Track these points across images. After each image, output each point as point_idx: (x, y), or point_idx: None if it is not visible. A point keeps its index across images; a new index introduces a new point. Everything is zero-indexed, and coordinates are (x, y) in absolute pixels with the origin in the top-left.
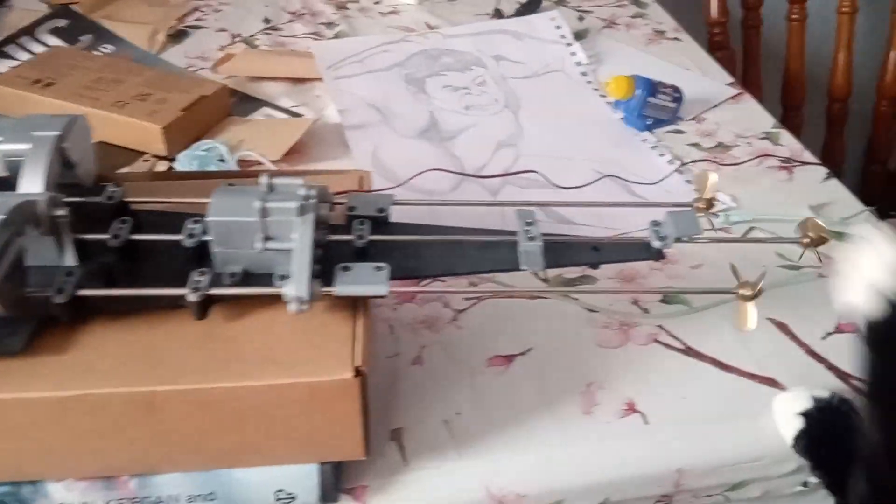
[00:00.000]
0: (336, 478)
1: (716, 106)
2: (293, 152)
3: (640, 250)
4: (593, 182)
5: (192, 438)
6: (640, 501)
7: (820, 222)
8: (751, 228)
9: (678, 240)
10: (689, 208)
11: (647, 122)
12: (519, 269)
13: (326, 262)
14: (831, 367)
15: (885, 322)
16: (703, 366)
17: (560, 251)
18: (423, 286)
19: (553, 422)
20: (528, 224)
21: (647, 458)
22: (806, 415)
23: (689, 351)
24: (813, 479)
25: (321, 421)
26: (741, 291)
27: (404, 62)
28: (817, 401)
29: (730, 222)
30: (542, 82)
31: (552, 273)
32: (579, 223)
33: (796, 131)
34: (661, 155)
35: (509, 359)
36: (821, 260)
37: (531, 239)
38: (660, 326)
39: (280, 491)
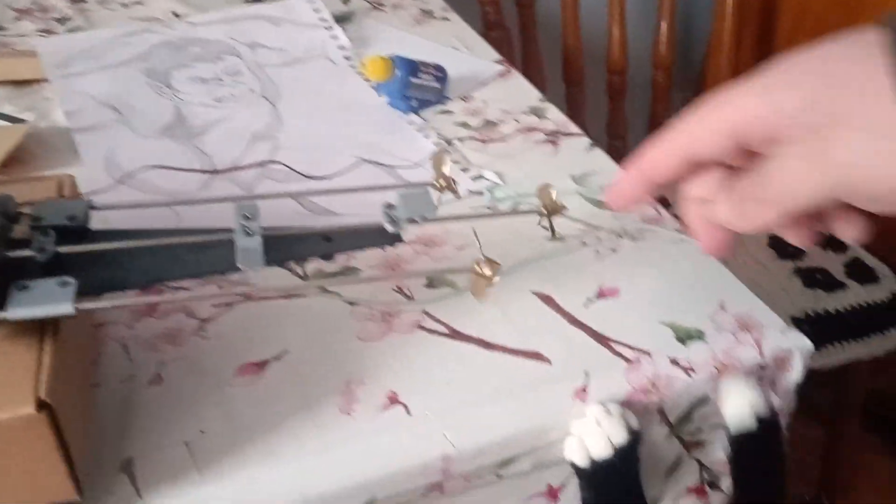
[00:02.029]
0: None
1: (484, 84)
2: (14, 162)
3: (375, 236)
4: (349, 168)
5: None
6: (410, 494)
7: (552, 192)
8: (518, 204)
9: (412, 221)
10: (423, 188)
11: (412, 104)
12: (236, 269)
13: (8, 283)
14: (593, 333)
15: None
16: (468, 347)
17: (286, 245)
18: (159, 296)
19: (312, 427)
20: (247, 219)
21: (410, 451)
22: None
23: (453, 334)
24: None
25: (13, 463)
26: (477, 268)
27: (145, 55)
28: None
29: (495, 199)
30: (303, 69)
31: (311, 269)
32: (342, 213)
33: (580, 107)
34: (426, 137)
35: (262, 365)
36: (553, 232)
37: (249, 235)
38: (424, 312)
39: None
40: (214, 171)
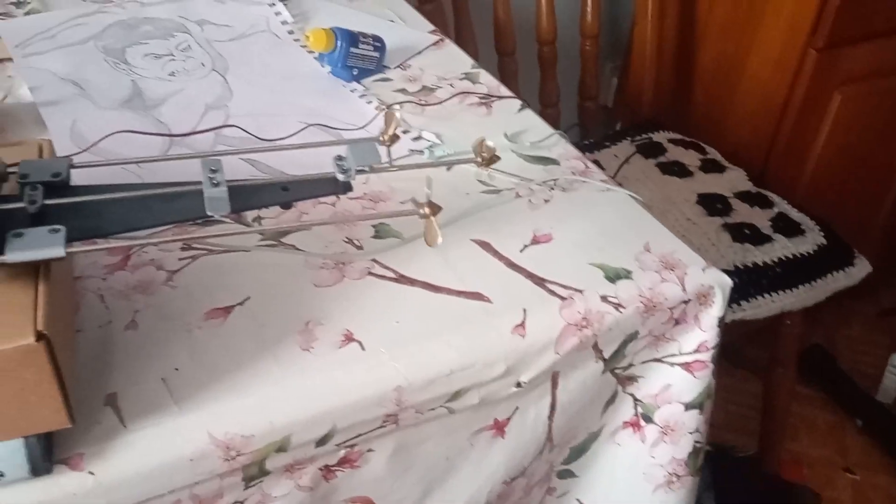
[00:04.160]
0: (46, 450)
1: (419, 53)
2: None
3: (328, 185)
4: (299, 132)
5: None
6: (368, 424)
7: (488, 142)
8: (455, 161)
9: (361, 170)
10: (370, 141)
11: (354, 73)
12: (206, 217)
13: (1, 232)
14: (529, 275)
15: None
16: (415, 290)
17: (248, 194)
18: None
19: (273, 363)
20: (213, 171)
21: (366, 382)
22: None
23: (401, 279)
24: (524, 379)
25: (12, 393)
26: (422, 210)
27: (100, 34)
28: None
29: (435, 157)
30: (249, 43)
31: (267, 226)
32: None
33: (513, 77)
34: (369, 102)
35: (227, 310)
36: (489, 176)
37: (216, 185)
38: (374, 260)
39: None
40: (176, 136)
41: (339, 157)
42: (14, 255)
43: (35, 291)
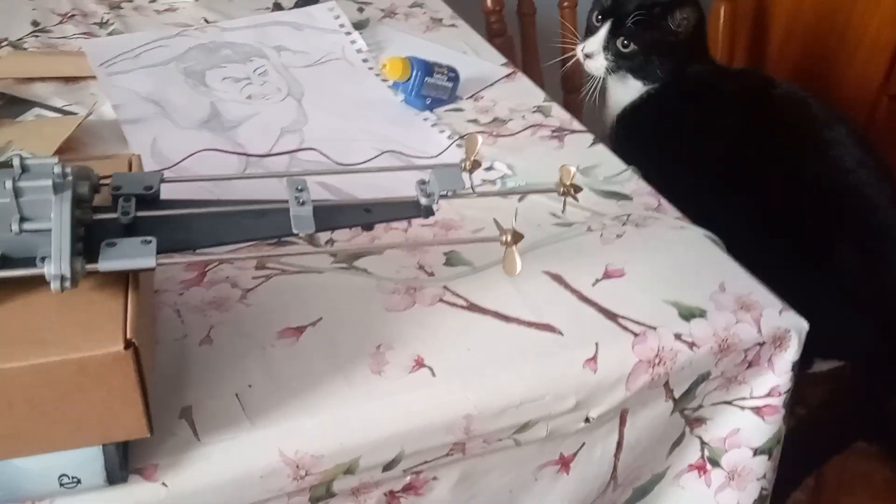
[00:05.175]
0: (122, 458)
1: (491, 85)
2: (67, 150)
3: (410, 208)
4: (373, 158)
5: None
6: (435, 451)
7: (571, 169)
8: (536, 190)
9: (443, 195)
10: (454, 166)
11: (427, 102)
12: (292, 234)
13: (92, 241)
14: (601, 310)
15: None
16: (486, 319)
17: (332, 214)
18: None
19: (345, 384)
20: (299, 191)
21: (435, 408)
22: None
23: (472, 307)
24: (594, 414)
25: (96, 400)
26: (504, 238)
27: (182, 56)
28: None
29: (507, 187)
30: (324, 70)
31: (339, 249)
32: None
33: (577, 114)
34: (441, 131)
35: (299, 330)
36: (564, 208)
37: (302, 204)
38: (445, 287)
39: (63, 476)
40: (255, 156)
41: (423, 182)
42: (107, 264)
43: (124, 300)
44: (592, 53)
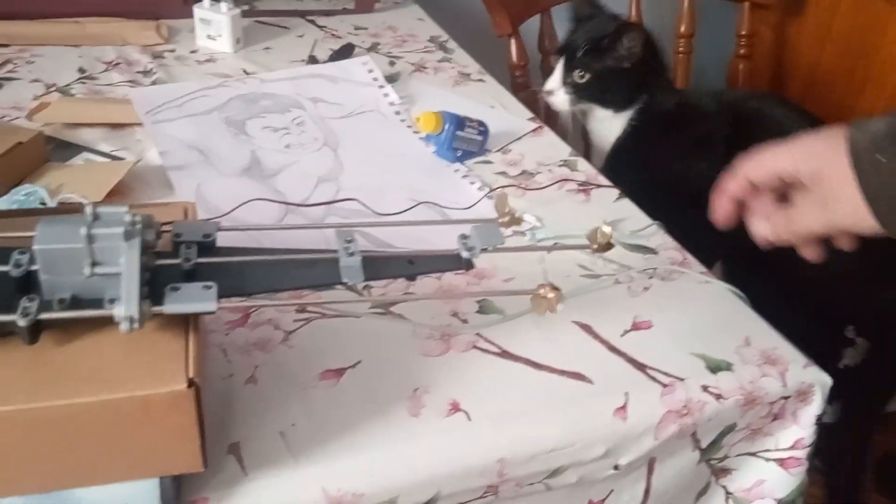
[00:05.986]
0: (176, 491)
1: (519, 139)
2: (116, 194)
3: (451, 261)
4: (410, 209)
5: (27, 461)
6: (470, 493)
7: (604, 229)
8: (555, 244)
9: (484, 250)
10: (494, 222)
11: (458, 154)
12: (341, 283)
13: (155, 285)
14: (630, 360)
15: None
16: (518, 366)
17: (379, 265)
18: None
19: (383, 426)
20: (348, 242)
21: (471, 452)
22: None
23: (504, 354)
24: (622, 462)
25: (157, 435)
26: (542, 291)
27: (223, 106)
28: None
29: (536, 240)
30: (358, 121)
31: (376, 294)
32: (399, 247)
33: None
34: (472, 183)
35: (339, 372)
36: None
37: (351, 255)
38: (478, 334)
39: None
40: (307, 206)
41: (464, 236)
42: (172, 307)
43: (185, 341)
44: (553, 90)
